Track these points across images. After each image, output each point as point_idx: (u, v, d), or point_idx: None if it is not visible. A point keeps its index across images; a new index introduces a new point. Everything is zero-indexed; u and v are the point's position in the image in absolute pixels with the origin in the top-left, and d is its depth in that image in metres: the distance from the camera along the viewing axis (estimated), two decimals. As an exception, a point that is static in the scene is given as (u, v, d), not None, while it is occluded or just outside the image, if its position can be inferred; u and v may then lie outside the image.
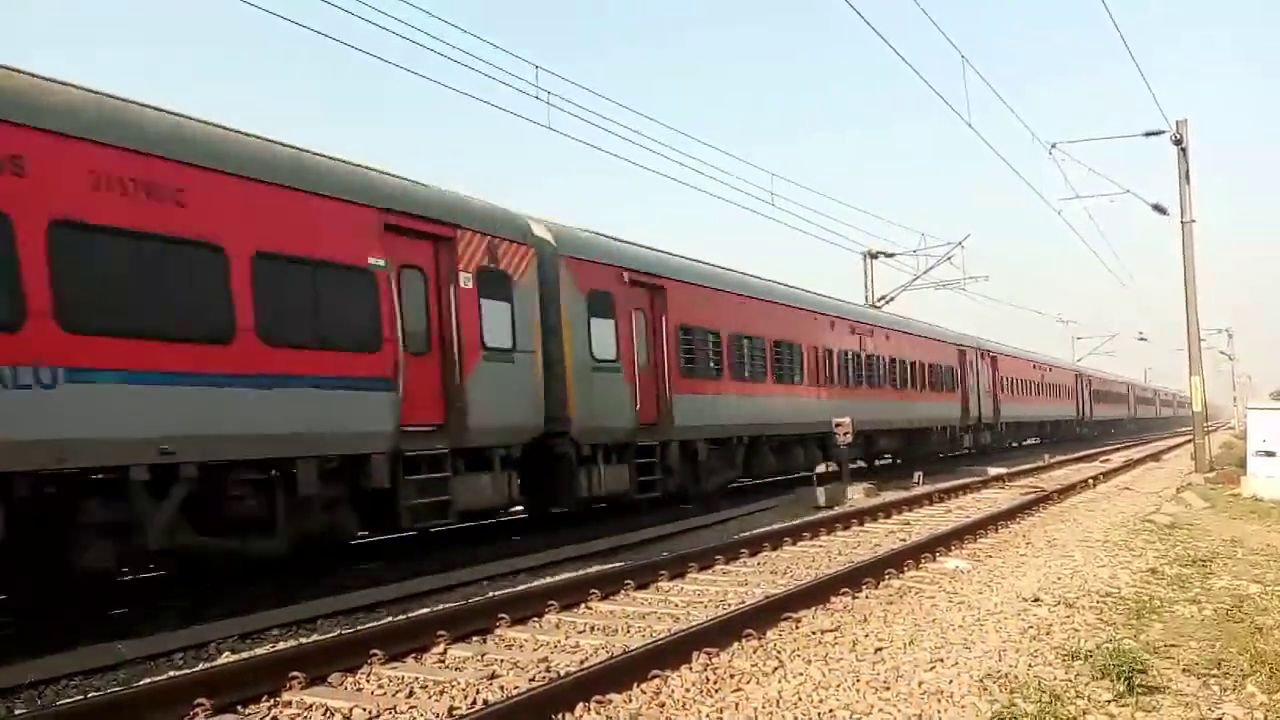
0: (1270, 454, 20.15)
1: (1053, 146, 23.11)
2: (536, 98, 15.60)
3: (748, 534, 13.62)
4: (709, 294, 17.97)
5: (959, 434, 33.71)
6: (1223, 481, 21.42)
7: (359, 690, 6.54)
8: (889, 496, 18.92)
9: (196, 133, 9.25)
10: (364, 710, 5.99)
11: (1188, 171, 23.59)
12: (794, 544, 13.00)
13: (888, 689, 6.06)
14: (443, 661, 7.28)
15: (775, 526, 14.25)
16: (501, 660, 7.12)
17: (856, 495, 19.03)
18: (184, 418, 8.55)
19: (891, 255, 35.39)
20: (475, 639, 7.86)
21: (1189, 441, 28.63)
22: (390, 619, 8.71)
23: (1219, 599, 9.02)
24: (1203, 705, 5.86)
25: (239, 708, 6.13)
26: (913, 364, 29.00)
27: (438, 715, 5.86)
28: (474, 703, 6.06)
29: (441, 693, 6.36)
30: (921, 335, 30.60)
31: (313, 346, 9.86)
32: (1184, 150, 23.43)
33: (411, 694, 6.41)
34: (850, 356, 24.35)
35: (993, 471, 24.93)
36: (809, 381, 21.78)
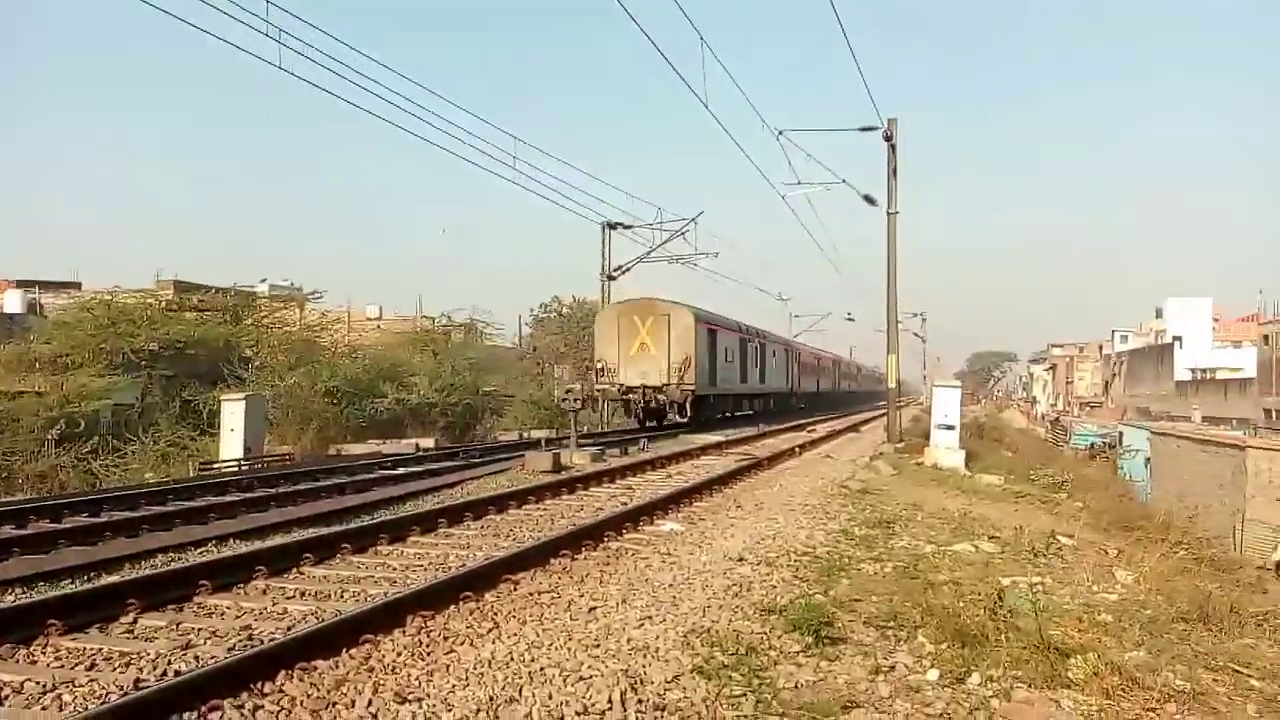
0: (950, 427, 22.44)
1: (780, 133, 24.12)
2: (267, 35, 14.66)
3: (473, 498, 13.58)
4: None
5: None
6: (910, 451, 23.58)
7: (33, 663, 5.97)
8: (614, 462, 19.40)
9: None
10: (37, 684, 5.47)
11: (895, 166, 25.49)
12: (519, 508, 13.06)
13: (598, 646, 6.24)
14: (131, 632, 6.76)
15: (501, 490, 14.26)
16: (199, 629, 6.71)
17: (583, 460, 19.40)
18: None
19: (630, 227, 36.14)
20: (171, 608, 7.35)
21: (884, 415, 31.27)
22: (73, 588, 8.01)
23: (899, 557, 9.94)
24: (879, 654, 6.44)
25: (-120, 690, 5.43)
26: None
27: (121, 687, 5.44)
28: (164, 673, 5.68)
29: (128, 664, 5.92)
30: None
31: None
32: (893, 147, 25.28)
33: (93, 666, 5.91)
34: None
35: (712, 439, 26.11)
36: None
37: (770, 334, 46.02)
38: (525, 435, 31.16)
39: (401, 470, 18.44)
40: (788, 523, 11.88)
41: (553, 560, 9.09)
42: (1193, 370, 78.25)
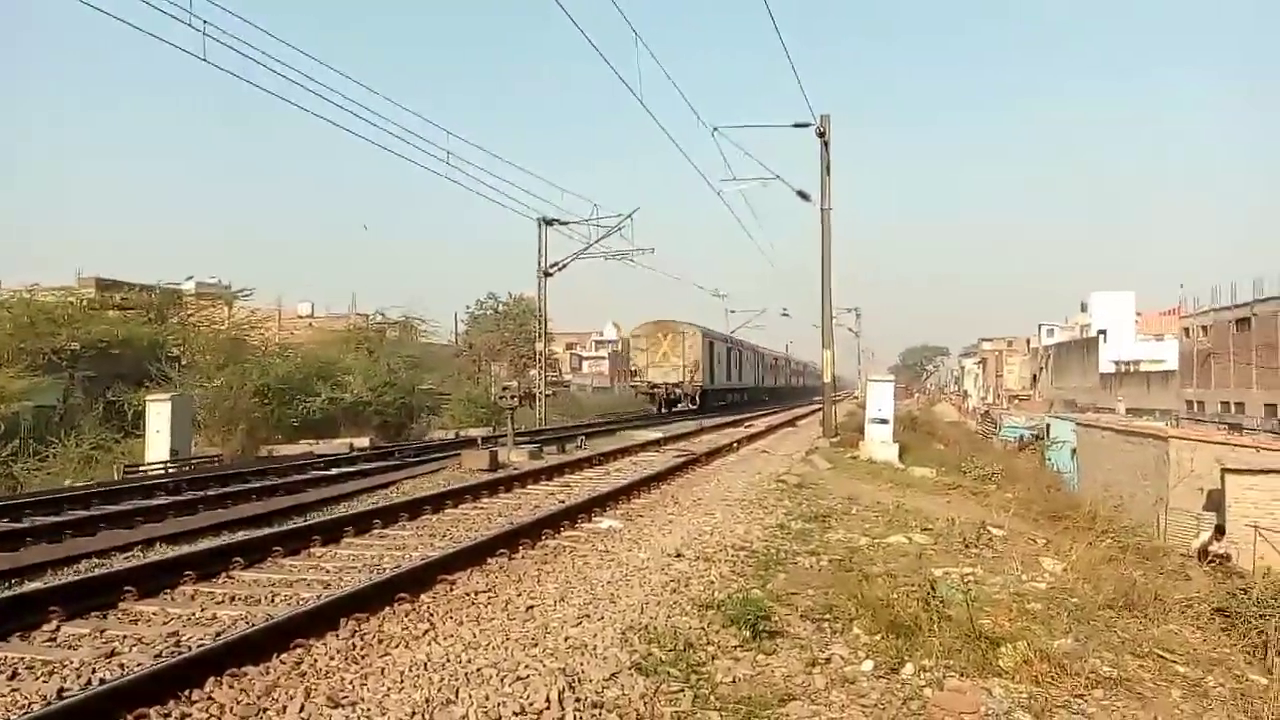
0: (884, 421, 22.77)
1: (715, 129, 24.24)
2: (190, 25, 14.34)
3: (408, 497, 13.42)
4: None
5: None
6: (845, 445, 23.86)
7: (-51, 675, 5.75)
8: (552, 460, 19.34)
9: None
10: (-47, 697, 5.28)
11: (829, 163, 25.75)
12: (455, 507, 12.95)
13: (535, 645, 6.20)
14: (54, 640, 6.56)
15: (437, 490, 14.11)
16: (124, 637, 6.52)
17: (520, 458, 19.30)
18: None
19: (566, 224, 36.02)
20: (95, 615, 7.14)
21: (820, 409, 31.61)
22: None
23: (835, 550, 10.05)
24: (815, 647, 6.51)
25: None
26: None
27: (45, 697, 5.27)
28: (88, 682, 5.52)
29: (51, 673, 5.73)
30: None
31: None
32: (826, 143, 25.54)
33: (15, 675, 5.72)
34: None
35: (650, 436, 26.12)
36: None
37: (745, 342, 59.02)
38: (461, 433, 30.97)
39: (335, 471, 18.18)
40: (725, 518, 11.94)
41: (490, 559, 9.02)
42: (1117, 363, 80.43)
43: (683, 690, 5.50)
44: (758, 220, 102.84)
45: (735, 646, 6.36)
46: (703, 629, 6.69)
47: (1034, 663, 6.18)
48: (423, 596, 7.56)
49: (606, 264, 37.99)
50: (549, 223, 35.97)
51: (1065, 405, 73.36)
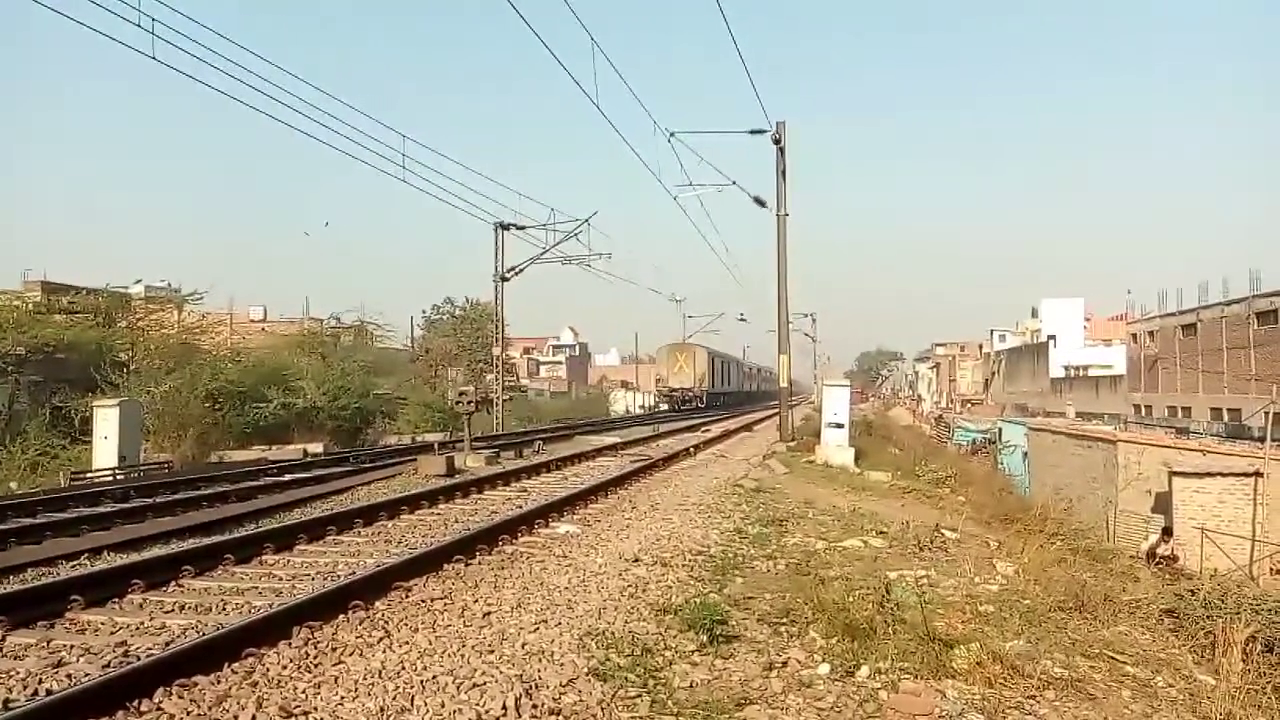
0: (840, 425, 22.94)
1: (671, 135, 24.30)
2: (139, 25, 14.13)
3: (363, 503, 13.28)
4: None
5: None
6: (802, 450, 23.99)
7: (-112, 689, 5.59)
8: (509, 465, 19.25)
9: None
10: (-111, 713, 5.13)
11: (784, 169, 25.92)
12: (411, 513, 12.83)
13: (492, 652, 6.16)
14: (-1, 650, 6.42)
15: (393, 496, 13.99)
16: (71, 646, 6.38)
17: (477, 464, 19.19)
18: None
19: (523, 228, 35.89)
20: (41, 624, 6.99)
21: (777, 414, 31.75)
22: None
23: (791, 554, 10.10)
24: (772, 650, 6.53)
25: None
26: None
27: (-13, 710, 5.16)
28: (35, 693, 5.40)
29: (-5, 685, 5.61)
30: None
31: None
32: (782, 149, 25.71)
33: (-43, 688, 5.58)
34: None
35: (608, 441, 26.10)
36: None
37: (732, 356, 73.63)
38: (417, 439, 30.76)
39: (288, 477, 17.95)
40: (683, 522, 11.95)
41: (446, 565, 8.95)
42: (1067, 368, 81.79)
43: (640, 696, 5.49)
44: (715, 225, 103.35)
45: (693, 651, 6.37)
46: (660, 634, 6.69)
47: (987, 664, 6.26)
48: (378, 604, 7.48)
49: (564, 268, 37.80)
50: (505, 227, 35.81)
51: (1016, 409, 74.37)
